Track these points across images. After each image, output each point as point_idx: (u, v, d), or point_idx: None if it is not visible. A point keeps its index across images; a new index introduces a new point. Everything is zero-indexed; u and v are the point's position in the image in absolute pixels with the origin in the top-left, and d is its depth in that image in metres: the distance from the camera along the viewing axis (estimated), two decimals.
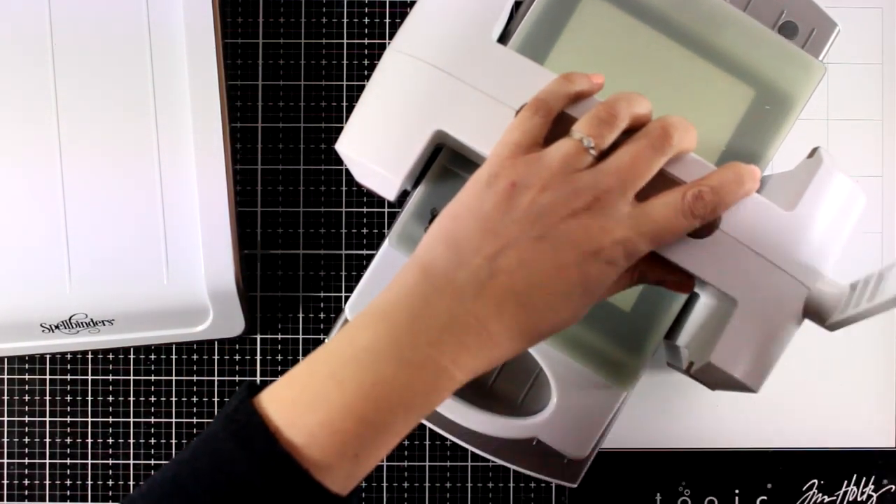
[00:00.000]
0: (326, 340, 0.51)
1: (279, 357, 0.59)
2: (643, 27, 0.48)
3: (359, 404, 0.37)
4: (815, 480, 0.59)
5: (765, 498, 0.58)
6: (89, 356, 0.59)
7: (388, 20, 0.60)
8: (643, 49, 0.48)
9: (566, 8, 0.49)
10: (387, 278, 0.41)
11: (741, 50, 0.49)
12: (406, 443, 0.59)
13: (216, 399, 0.59)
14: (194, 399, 0.59)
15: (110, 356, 0.59)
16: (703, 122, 0.47)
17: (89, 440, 0.59)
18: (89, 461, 0.59)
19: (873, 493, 0.59)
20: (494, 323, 0.38)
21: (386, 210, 0.59)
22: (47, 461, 0.59)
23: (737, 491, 0.59)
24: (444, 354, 0.37)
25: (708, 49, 0.48)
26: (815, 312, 0.45)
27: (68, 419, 0.59)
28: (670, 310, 0.48)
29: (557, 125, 0.42)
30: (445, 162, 0.48)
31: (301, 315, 0.59)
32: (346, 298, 0.59)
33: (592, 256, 0.39)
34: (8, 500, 0.58)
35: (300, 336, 0.59)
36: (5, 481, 0.58)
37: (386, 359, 0.37)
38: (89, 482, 0.58)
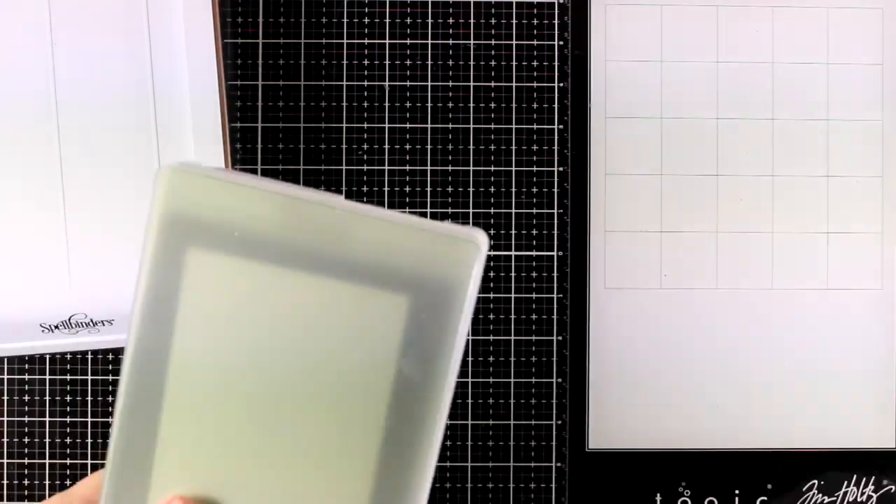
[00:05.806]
0: None
1: None
2: (263, 268, 0.39)
3: None
4: (815, 481, 0.58)
5: (765, 498, 0.58)
6: (89, 356, 0.59)
7: (387, 20, 0.60)
8: (268, 294, 0.39)
9: (173, 275, 0.39)
10: None
11: (382, 251, 0.39)
12: None
13: None
14: None
15: (110, 356, 0.59)
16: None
17: (89, 440, 0.59)
18: (89, 461, 0.58)
19: (873, 494, 0.59)
20: None
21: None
22: (47, 461, 0.58)
23: (737, 491, 0.59)
24: None
25: (342, 266, 0.39)
26: None
27: (68, 419, 0.59)
28: None
29: None
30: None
31: None
32: None
33: None
34: (8, 500, 0.58)
35: None
36: (5, 481, 0.58)
37: None
38: None
